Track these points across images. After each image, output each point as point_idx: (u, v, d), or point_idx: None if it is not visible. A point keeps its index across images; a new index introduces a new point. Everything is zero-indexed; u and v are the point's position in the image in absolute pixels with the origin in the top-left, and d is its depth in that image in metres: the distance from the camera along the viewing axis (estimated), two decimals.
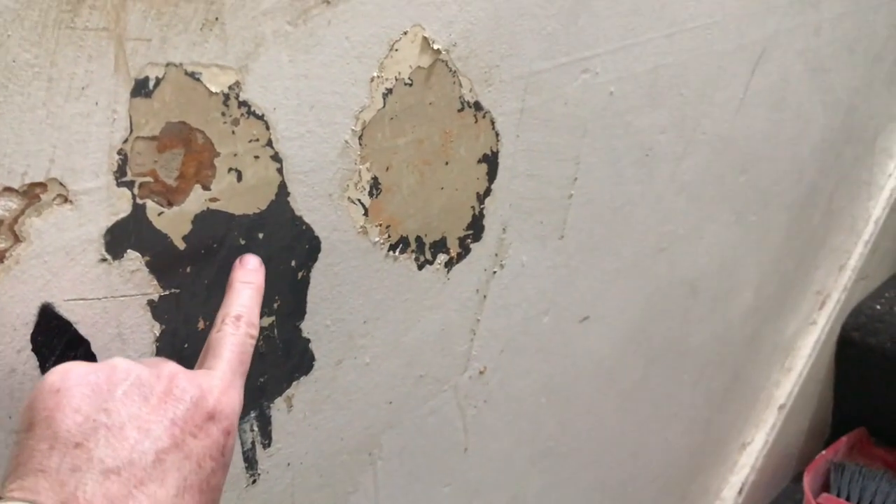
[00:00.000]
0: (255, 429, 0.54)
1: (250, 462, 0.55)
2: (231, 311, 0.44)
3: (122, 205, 0.43)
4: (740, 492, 1.27)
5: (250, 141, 0.47)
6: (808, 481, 1.26)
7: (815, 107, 1.08)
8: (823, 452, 1.34)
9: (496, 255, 0.68)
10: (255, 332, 0.44)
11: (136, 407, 0.37)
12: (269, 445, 0.56)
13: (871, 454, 1.41)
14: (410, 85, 0.55)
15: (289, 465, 0.57)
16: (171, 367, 0.39)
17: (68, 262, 0.42)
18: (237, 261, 0.48)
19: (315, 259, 0.54)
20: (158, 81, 0.43)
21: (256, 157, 0.48)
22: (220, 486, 0.38)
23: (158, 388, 0.38)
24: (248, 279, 0.46)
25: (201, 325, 0.48)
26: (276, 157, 0.49)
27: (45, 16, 0.38)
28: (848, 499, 1.28)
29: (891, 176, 1.39)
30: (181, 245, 0.46)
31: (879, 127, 1.30)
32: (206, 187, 0.46)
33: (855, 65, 1.13)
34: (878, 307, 1.41)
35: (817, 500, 1.25)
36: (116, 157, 0.42)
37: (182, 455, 0.36)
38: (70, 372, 0.37)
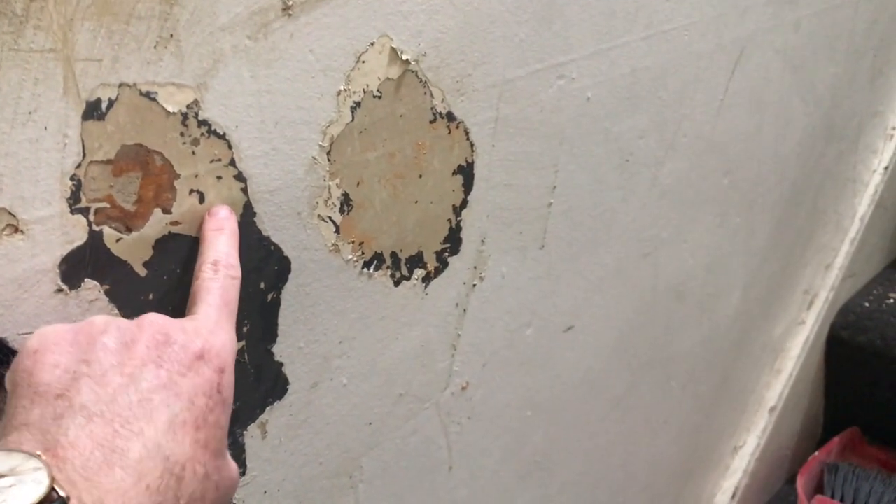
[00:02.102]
0: None
1: None
2: (207, 258, 0.43)
3: (77, 232, 0.41)
4: (733, 496, 1.25)
5: (212, 161, 0.46)
6: (801, 483, 1.25)
7: (797, 105, 1.07)
8: (816, 454, 1.33)
9: (475, 267, 0.66)
10: (237, 274, 0.43)
11: (118, 355, 0.36)
12: (243, 474, 0.54)
13: (865, 453, 1.40)
14: (380, 97, 0.54)
15: (265, 492, 0.56)
16: (153, 315, 0.38)
17: (22, 294, 0.40)
18: (206, 213, 0.46)
19: (285, 280, 0.52)
20: (111, 103, 0.41)
21: (219, 177, 0.46)
22: (220, 423, 0.37)
23: (141, 335, 0.37)
24: (220, 226, 0.45)
25: None
26: (239, 177, 0.47)
27: None
28: (842, 500, 1.27)
29: (875, 172, 1.38)
30: (142, 272, 0.44)
31: (862, 123, 1.30)
32: (166, 210, 0.44)
33: (835, 61, 1.13)
34: (867, 304, 1.40)
35: (811, 503, 1.23)
36: (69, 183, 0.40)
37: (171, 393, 0.35)
38: (47, 332, 0.37)
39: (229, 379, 0.38)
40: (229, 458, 0.38)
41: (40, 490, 0.29)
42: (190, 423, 0.35)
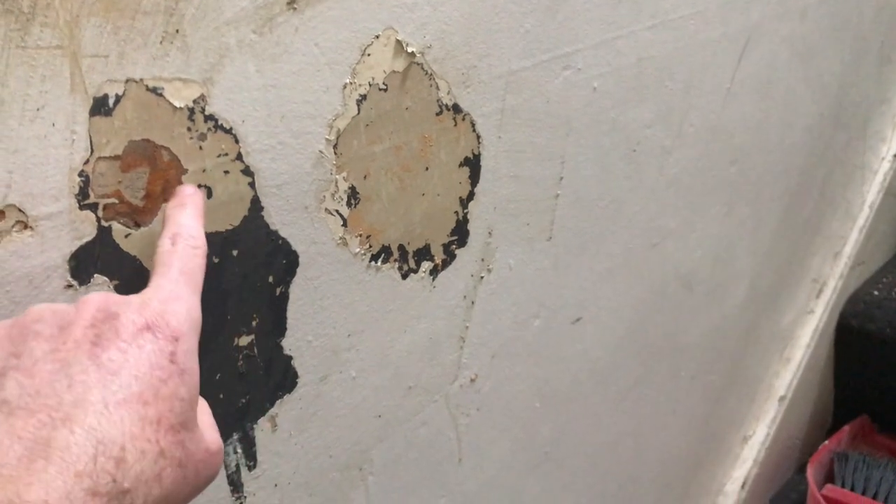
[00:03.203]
0: (239, 451, 0.53)
1: (235, 485, 0.53)
2: (166, 233, 0.40)
3: (86, 228, 0.41)
4: (743, 486, 1.25)
5: (219, 156, 0.46)
6: (811, 472, 1.25)
7: (804, 93, 1.06)
8: (826, 442, 1.33)
9: (483, 259, 0.66)
10: (199, 244, 0.40)
11: (52, 341, 0.33)
12: (254, 467, 0.54)
13: (875, 442, 1.39)
14: (385, 90, 0.54)
15: (276, 485, 0.56)
16: (94, 294, 0.36)
17: (32, 290, 0.40)
18: (169, 196, 0.43)
19: (293, 274, 0.52)
20: (118, 98, 0.41)
21: (226, 171, 0.46)
22: (178, 395, 0.34)
23: (78, 316, 0.34)
24: (182, 202, 0.42)
25: None
26: (247, 171, 0.47)
27: None
28: (853, 488, 1.27)
29: (884, 159, 1.38)
30: (151, 267, 0.44)
31: (870, 110, 1.29)
32: None
33: (842, 49, 1.12)
34: (876, 293, 1.39)
35: (822, 492, 1.23)
36: (78, 179, 0.40)
37: (106, 372, 0.32)
38: None
39: (186, 347, 0.35)
40: (203, 429, 0.35)
41: None
42: (133, 400, 0.32)
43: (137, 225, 0.43)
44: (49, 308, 0.35)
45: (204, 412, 0.37)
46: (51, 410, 0.31)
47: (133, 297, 0.36)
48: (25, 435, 0.30)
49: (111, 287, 0.43)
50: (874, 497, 1.25)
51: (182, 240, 0.39)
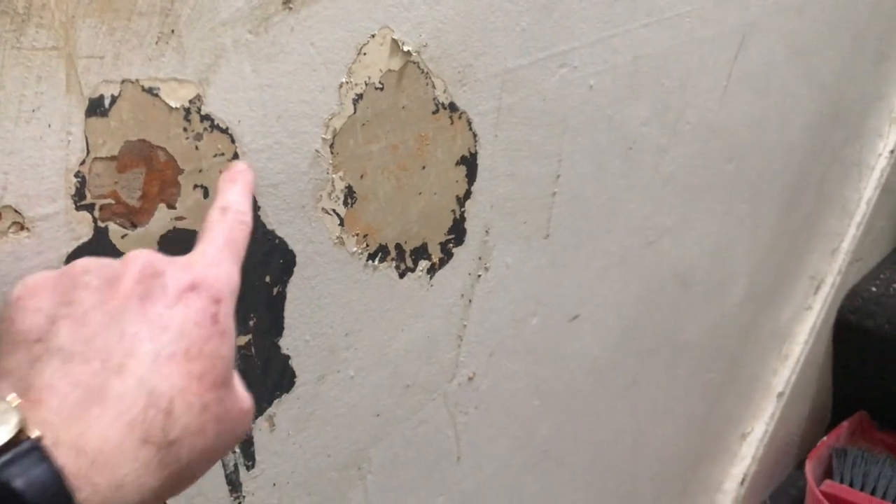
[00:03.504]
0: (238, 450, 0.53)
1: (234, 485, 0.53)
2: (216, 205, 0.41)
3: (82, 229, 0.41)
4: (742, 483, 1.26)
5: (215, 155, 0.46)
6: (810, 469, 1.25)
7: (801, 90, 1.07)
8: (825, 439, 1.33)
9: (480, 258, 0.66)
10: (246, 220, 0.41)
11: (101, 293, 0.34)
12: (252, 467, 0.54)
13: (873, 438, 1.40)
14: (381, 89, 0.54)
15: (275, 485, 0.56)
16: (141, 251, 0.36)
17: None
18: (222, 169, 0.44)
19: (290, 273, 0.52)
20: (114, 99, 0.41)
21: (223, 171, 0.46)
22: (220, 354, 0.35)
23: (126, 271, 0.35)
24: (233, 178, 0.43)
25: None
26: None
27: None
28: (851, 484, 1.27)
29: (880, 156, 1.38)
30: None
31: (867, 107, 1.29)
32: (171, 206, 0.44)
33: (839, 45, 1.12)
34: (874, 289, 1.40)
35: (820, 488, 1.24)
36: (74, 179, 0.40)
37: (155, 327, 0.33)
38: (29, 279, 0.35)
39: (227, 310, 0.36)
40: (237, 388, 0.36)
41: (7, 430, 0.28)
42: (180, 355, 0.33)
43: (134, 225, 0.43)
44: (96, 261, 0.36)
45: (235, 374, 0.38)
46: (104, 359, 0.32)
47: (178, 259, 0.37)
48: (81, 381, 0.31)
49: None
50: (873, 493, 1.25)
51: (231, 212, 0.40)
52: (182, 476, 0.33)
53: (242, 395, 0.37)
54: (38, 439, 0.29)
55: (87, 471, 0.29)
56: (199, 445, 0.33)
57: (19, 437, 0.29)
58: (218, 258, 0.38)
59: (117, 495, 0.30)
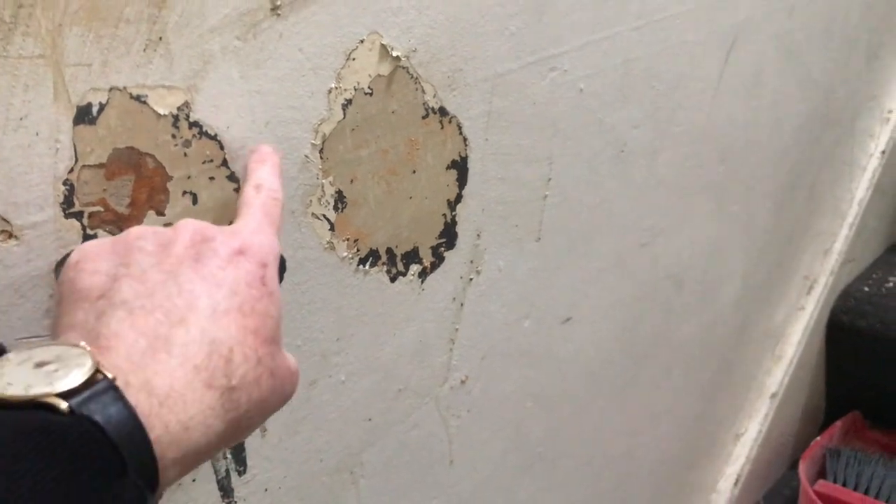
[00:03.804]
0: (229, 456, 0.53)
1: (226, 490, 0.53)
2: (250, 182, 0.43)
3: (71, 237, 0.41)
4: (736, 483, 1.26)
5: (204, 162, 0.46)
6: (803, 469, 1.26)
7: (792, 91, 1.07)
8: (818, 439, 1.33)
9: (471, 261, 0.66)
10: (279, 196, 0.43)
11: (156, 255, 0.36)
12: (244, 472, 0.54)
13: (866, 438, 1.40)
14: (371, 94, 0.54)
15: (266, 490, 0.56)
16: (189, 220, 0.39)
17: (17, 299, 0.40)
18: (248, 151, 0.47)
19: (281, 279, 0.52)
20: (102, 107, 0.41)
21: (212, 178, 0.46)
22: (270, 313, 0.37)
23: (177, 236, 0.37)
24: (262, 159, 0.45)
25: None
26: (232, 178, 0.47)
27: None
28: (844, 484, 1.27)
29: (872, 156, 1.38)
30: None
31: (858, 107, 1.30)
32: (160, 213, 0.44)
33: (830, 46, 1.12)
34: (866, 289, 1.40)
35: (814, 488, 1.24)
36: (62, 187, 0.40)
37: (210, 284, 0.35)
38: (86, 245, 0.38)
39: (273, 273, 0.38)
40: (284, 350, 0.38)
41: (84, 372, 0.30)
42: (234, 310, 0.35)
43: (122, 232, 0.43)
44: (150, 229, 0.38)
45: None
46: (166, 311, 0.34)
47: (224, 227, 0.39)
48: (147, 331, 0.33)
49: None
50: (866, 492, 1.25)
51: (265, 189, 0.43)
52: (241, 424, 0.35)
53: (289, 356, 0.39)
54: (113, 380, 0.30)
55: (157, 410, 0.31)
56: (255, 395, 0.35)
57: (95, 377, 0.30)
58: (260, 227, 0.40)
59: (186, 435, 0.32)
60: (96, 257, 0.37)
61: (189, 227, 0.38)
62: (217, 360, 0.34)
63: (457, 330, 0.67)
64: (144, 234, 0.37)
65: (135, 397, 0.31)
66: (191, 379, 0.33)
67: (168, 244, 0.37)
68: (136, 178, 0.43)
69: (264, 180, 0.44)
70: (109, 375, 0.31)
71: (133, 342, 0.33)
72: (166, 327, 0.33)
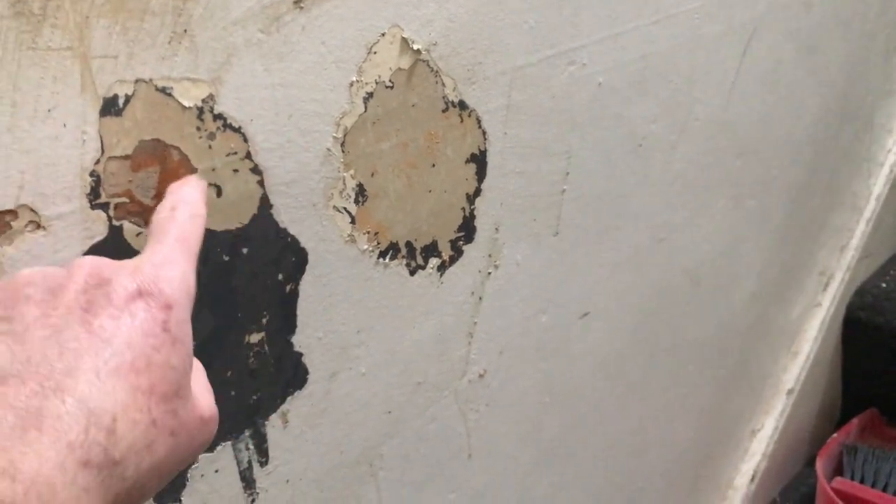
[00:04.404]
0: (251, 447, 0.53)
1: (248, 481, 0.54)
2: (166, 203, 0.40)
3: (97, 228, 0.42)
4: (752, 479, 1.25)
5: (228, 154, 0.46)
6: (820, 465, 1.25)
7: (810, 86, 1.06)
8: (835, 435, 1.32)
9: (490, 255, 0.66)
10: (198, 211, 0.39)
11: (43, 305, 0.33)
12: (266, 463, 0.54)
13: (884, 435, 1.39)
14: (391, 87, 0.54)
15: (288, 481, 0.56)
16: (86, 258, 0.35)
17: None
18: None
19: (303, 271, 0.52)
20: (128, 99, 0.41)
21: (235, 170, 0.47)
22: (170, 364, 0.33)
23: (70, 280, 0.33)
24: (186, 181, 0.42)
25: None
26: (255, 170, 0.47)
27: (4, 37, 0.36)
28: (862, 481, 1.26)
29: (890, 152, 1.37)
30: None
31: (876, 103, 1.29)
32: None
33: (848, 41, 1.12)
34: (884, 285, 1.39)
35: (831, 484, 1.23)
36: (89, 179, 0.41)
37: (98, 340, 0.32)
38: None
39: (180, 316, 0.34)
40: (197, 397, 0.35)
41: None
42: (125, 369, 0.31)
43: (148, 224, 0.43)
44: (40, 272, 0.34)
45: (199, 379, 0.37)
46: (42, 379, 0.30)
47: (127, 262, 0.35)
48: (18, 404, 0.29)
49: None
50: (884, 490, 1.25)
51: (182, 206, 0.39)
52: (131, 497, 0.31)
53: (203, 403, 0.35)
54: None
55: (21, 498, 0.27)
56: (146, 463, 0.32)
57: None
58: (169, 257, 0.36)
59: None
60: None
61: (84, 269, 0.34)
62: (96, 433, 0.30)
63: (475, 324, 0.67)
64: (33, 279, 0.34)
65: None
66: (63, 459, 0.29)
67: (58, 290, 0.33)
68: (161, 169, 0.43)
69: (182, 197, 0.40)
70: None
71: (1, 419, 0.29)
72: (40, 399, 0.29)
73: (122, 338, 0.32)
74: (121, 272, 0.34)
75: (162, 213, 0.39)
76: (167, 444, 0.32)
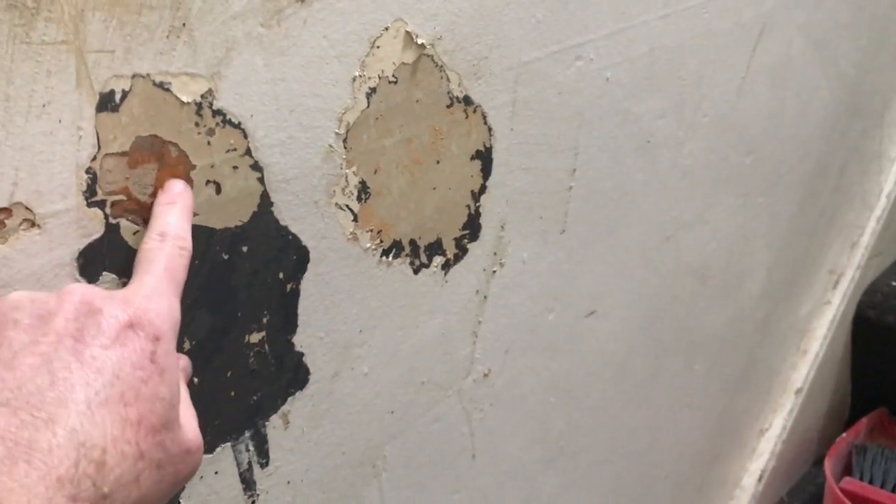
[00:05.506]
0: (251, 448, 0.52)
1: (248, 483, 0.53)
2: (154, 229, 0.40)
3: (93, 226, 0.41)
4: (760, 479, 1.24)
5: (227, 151, 0.45)
6: (829, 465, 1.24)
7: (820, 82, 1.05)
8: (844, 435, 1.31)
9: (495, 253, 0.65)
10: (186, 246, 0.40)
11: (32, 332, 0.33)
12: (266, 464, 0.54)
13: (893, 434, 1.38)
14: (395, 82, 0.53)
15: (289, 483, 0.55)
16: (76, 285, 0.35)
17: (40, 288, 0.40)
18: (159, 192, 0.43)
19: (304, 270, 0.51)
20: (125, 94, 0.40)
21: (235, 167, 0.46)
22: (159, 395, 0.33)
23: (60, 308, 0.33)
24: (172, 200, 0.41)
25: (186, 345, 0.46)
26: (255, 167, 0.47)
27: None
28: (871, 481, 1.25)
29: None
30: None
31: (887, 99, 1.27)
32: None
33: (859, 37, 1.11)
34: (894, 283, 1.38)
35: (840, 485, 1.22)
36: (85, 176, 0.40)
37: (89, 371, 0.31)
38: None
39: (167, 347, 0.35)
40: (183, 428, 0.35)
41: None
42: (114, 401, 0.31)
43: (145, 222, 0.43)
44: (28, 296, 0.34)
45: (186, 408, 0.37)
46: (33, 409, 0.30)
47: (116, 293, 0.35)
48: (7, 435, 0.29)
49: (120, 285, 0.42)
50: (893, 490, 1.24)
51: (171, 239, 0.39)
52: None
53: (188, 435, 0.35)
54: None
55: None
56: (133, 496, 0.31)
57: None
58: (158, 289, 0.36)
59: None
60: None
61: (75, 297, 0.34)
62: (86, 466, 0.29)
63: (480, 323, 0.67)
64: (21, 303, 0.34)
65: None
66: (52, 494, 0.28)
67: (47, 317, 0.33)
68: (159, 166, 0.43)
69: (170, 227, 0.40)
70: None
71: None
72: (31, 430, 0.29)
73: (112, 369, 0.32)
74: (111, 302, 0.34)
75: (151, 242, 0.39)
76: (153, 477, 0.33)
